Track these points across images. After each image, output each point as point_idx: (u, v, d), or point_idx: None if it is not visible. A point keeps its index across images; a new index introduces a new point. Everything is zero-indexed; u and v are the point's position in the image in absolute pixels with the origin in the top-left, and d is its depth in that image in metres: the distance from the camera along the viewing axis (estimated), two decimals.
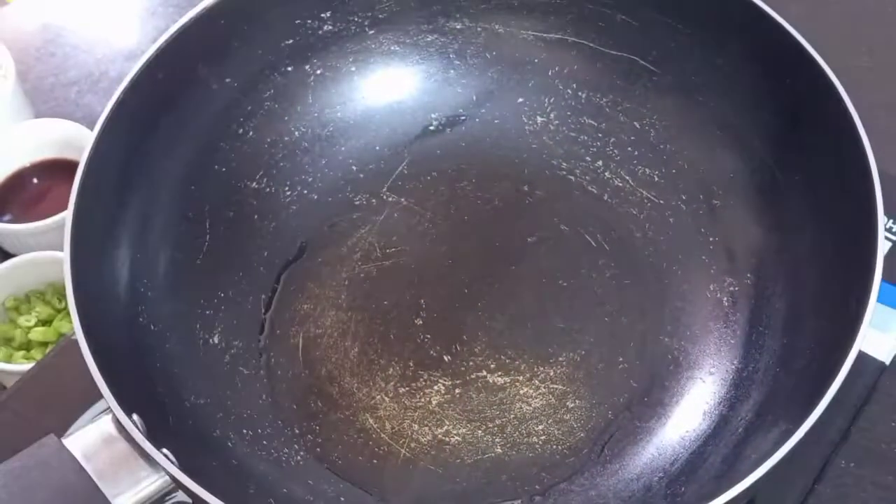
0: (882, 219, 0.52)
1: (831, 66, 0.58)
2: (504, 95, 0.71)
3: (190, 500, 0.48)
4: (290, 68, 0.69)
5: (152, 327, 0.58)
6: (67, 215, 0.53)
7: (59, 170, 0.71)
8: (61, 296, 0.66)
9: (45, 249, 0.66)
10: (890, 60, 0.82)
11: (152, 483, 0.46)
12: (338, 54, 0.70)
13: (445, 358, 0.62)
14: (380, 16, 0.70)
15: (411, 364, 0.62)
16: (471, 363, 0.62)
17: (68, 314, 0.65)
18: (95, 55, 0.75)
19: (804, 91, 0.60)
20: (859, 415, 0.62)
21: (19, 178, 0.71)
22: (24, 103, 0.75)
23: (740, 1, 0.62)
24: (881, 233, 0.51)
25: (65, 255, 0.51)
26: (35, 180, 0.71)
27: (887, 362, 0.64)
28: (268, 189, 0.68)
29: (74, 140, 0.70)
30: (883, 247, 0.51)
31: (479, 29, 0.71)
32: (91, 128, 0.70)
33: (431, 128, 0.72)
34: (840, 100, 0.56)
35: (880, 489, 0.60)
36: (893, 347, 0.65)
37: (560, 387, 0.61)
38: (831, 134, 0.57)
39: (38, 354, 0.64)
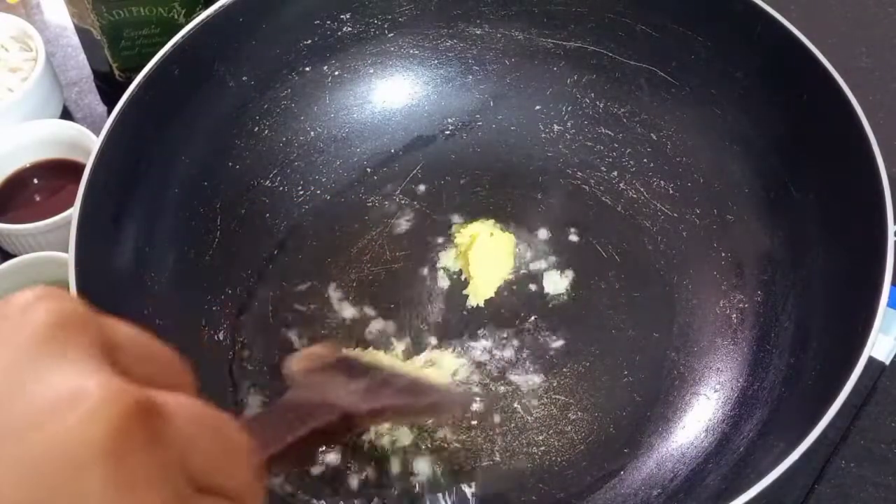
0: (892, 240, 0.51)
1: (831, 67, 0.58)
2: (521, 102, 0.71)
3: None
4: (307, 68, 0.69)
5: (158, 321, 0.58)
6: (75, 208, 0.53)
7: (59, 170, 0.71)
8: None
9: (45, 249, 0.66)
10: (890, 60, 0.81)
11: None
12: (356, 56, 0.70)
13: None
14: (400, 19, 0.70)
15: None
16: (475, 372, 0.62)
17: None
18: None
19: (822, 108, 0.59)
20: (859, 415, 0.61)
21: (19, 178, 0.72)
22: (53, 87, 0.75)
23: (763, 16, 0.61)
24: (890, 257, 0.51)
25: (70, 246, 0.52)
26: (35, 180, 0.71)
27: (887, 362, 0.64)
28: (281, 188, 0.68)
29: (75, 140, 0.71)
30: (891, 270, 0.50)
31: (498, 35, 0.71)
32: (91, 128, 0.71)
33: (447, 132, 0.71)
34: (859, 122, 0.56)
35: (880, 489, 0.59)
36: (893, 348, 0.64)
37: (562, 398, 0.61)
38: (847, 154, 0.57)
39: None
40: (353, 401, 0.38)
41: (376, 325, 0.63)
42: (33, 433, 0.22)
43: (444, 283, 0.65)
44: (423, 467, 0.58)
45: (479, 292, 0.64)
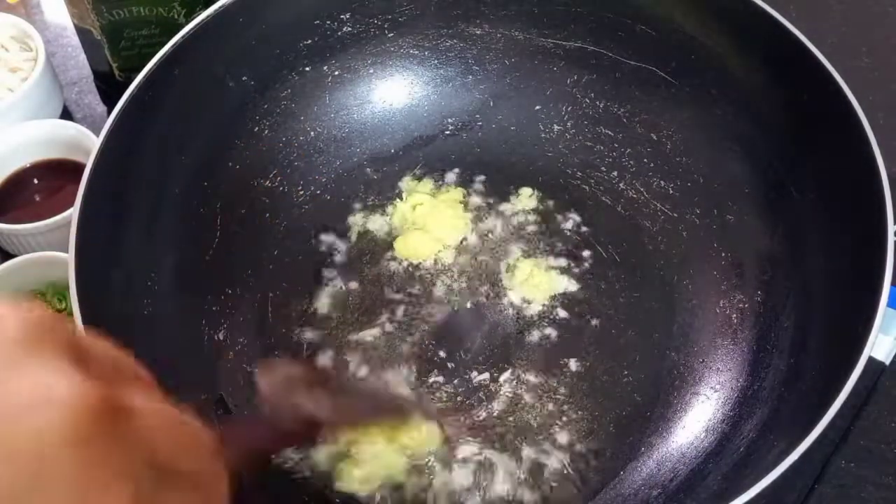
0: (892, 242, 0.51)
1: (831, 67, 0.58)
2: (521, 102, 0.71)
3: None
4: (307, 68, 0.69)
5: (158, 321, 0.58)
6: (74, 209, 0.53)
7: (58, 170, 0.71)
8: (62, 296, 0.66)
9: (46, 249, 0.66)
10: (890, 60, 0.81)
11: None
12: (356, 56, 0.70)
13: (449, 365, 0.62)
14: (400, 19, 0.70)
15: (414, 369, 0.62)
16: (474, 370, 0.62)
17: (69, 315, 0.66)
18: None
19: (822, 108, 0.59)
20: (859, 415, 0.61)
21: (19, 178, 0.72)
22: (53, 87, 0.76)
23: (763, 15, 0.61)
24: (890, 257, 0.51)
25: (70, 246, 0.52)
26: (35, 180, 0.72)
27: (887, 363, 0.64)
28: (281, 188, 0.68)
29: (75, 141, 0.71)
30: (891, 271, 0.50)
31: (498, 35, 0.71)
32: (91, 128, 0.71)
33: (447, 132, 0.71)
34: (859, 122, 0.56)
35: (880, 489, 0.59)
36: (893, 348, 0.64)
37: (563, 398, 0.61)
38: (847, 154, 0.57)
39: None
40: (317, 410, 0.42)
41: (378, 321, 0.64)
42: (11, 425, 0.24)
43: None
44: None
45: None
